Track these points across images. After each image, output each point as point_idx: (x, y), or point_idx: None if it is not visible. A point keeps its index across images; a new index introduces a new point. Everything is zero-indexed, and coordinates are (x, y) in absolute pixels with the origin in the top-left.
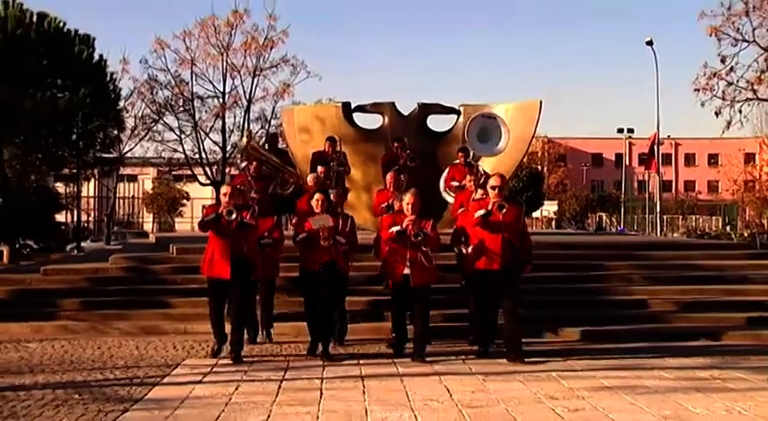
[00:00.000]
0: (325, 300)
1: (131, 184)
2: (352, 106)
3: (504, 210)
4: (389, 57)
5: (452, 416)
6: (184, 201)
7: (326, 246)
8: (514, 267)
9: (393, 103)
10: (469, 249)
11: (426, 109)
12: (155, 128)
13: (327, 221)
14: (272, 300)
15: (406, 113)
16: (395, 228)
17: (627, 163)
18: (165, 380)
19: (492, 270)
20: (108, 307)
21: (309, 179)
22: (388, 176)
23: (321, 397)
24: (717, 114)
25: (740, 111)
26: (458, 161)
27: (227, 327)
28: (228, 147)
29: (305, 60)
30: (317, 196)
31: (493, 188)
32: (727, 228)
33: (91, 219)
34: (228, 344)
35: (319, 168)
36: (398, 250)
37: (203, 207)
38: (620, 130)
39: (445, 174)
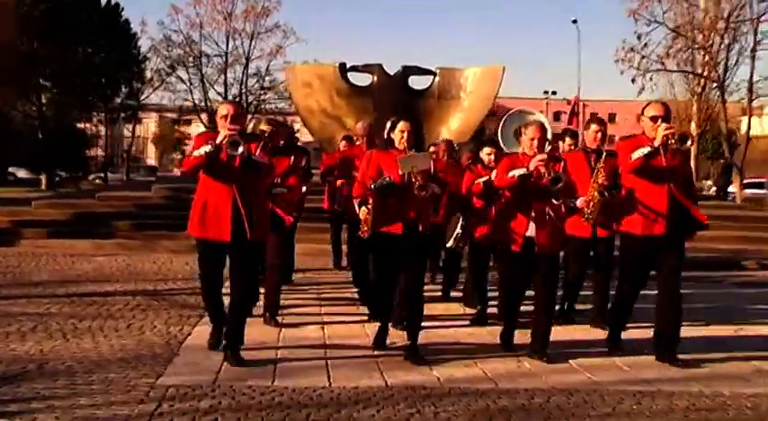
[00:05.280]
0: (415, 273)
1: (138, 126)
2: (347, 66)
3: (690, 144)
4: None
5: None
6: (187, 141)
7: (423, 197)
8: (682, 232)
9: (381, 65)
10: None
11: (408, 70)
12: (167, 79)
13: (426, 162)
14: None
15: (391, 73)
16: (517, 172)
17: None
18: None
19: (653, 236)
20: (154, 228)
21: (359, 127)
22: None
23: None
24: (633, 81)
25: (651, 79)
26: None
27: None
28: (229, 97)
29: (294, 27)
30: (401, 126)
31: (654, 119)
32: None
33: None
34: (224, 335)
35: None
36: (517, 204)
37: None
38: (546, 92)
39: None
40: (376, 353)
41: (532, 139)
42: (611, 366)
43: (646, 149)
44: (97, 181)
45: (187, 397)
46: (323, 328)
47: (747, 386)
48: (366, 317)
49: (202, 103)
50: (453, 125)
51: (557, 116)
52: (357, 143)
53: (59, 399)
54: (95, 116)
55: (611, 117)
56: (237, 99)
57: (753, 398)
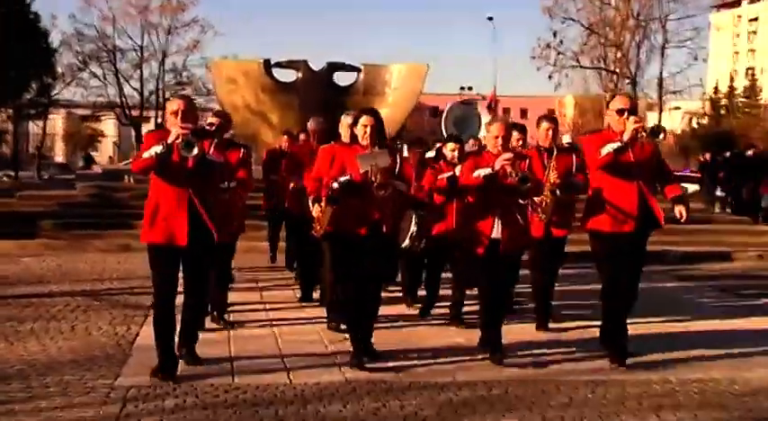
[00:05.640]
0: (376, 278)
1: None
2: (272, 62)
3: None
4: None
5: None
6: (100, 138)
7: (381, 196)
8: (647, 229)
9: (306, 61)
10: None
11: (333, 67)
12: (79, 75)
13: (385, 159)
14: (230, 270)
15: (316, 69)
16: (483, 171)
17: None
18: None
19: (622, 233)
20: (81, 227)
21: (311, 124)
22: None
23: None
24: (550, 78)
25: (567, 76)
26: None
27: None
28: (145, 93)
29: (212, 21)
30: (363, 120)
31: (621, 112)
32: None
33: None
34: (178, 334)
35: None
36: (482, 204)
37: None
38: (462, 88)
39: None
40: (330, 349)
41: (497, 137)
42: (559, 357)
43: (615, 145)
44: (5, 178)
45: (150, 397)
46: (272, 325)
47: (691, 372)
48: (325, 321)
49: (117, 99)
50: None
51: None
52: (303, 139)
53: (19, 403)
54: (2, 112)
55: (524, 113)
56: (153, 95)
57: (696, 383)
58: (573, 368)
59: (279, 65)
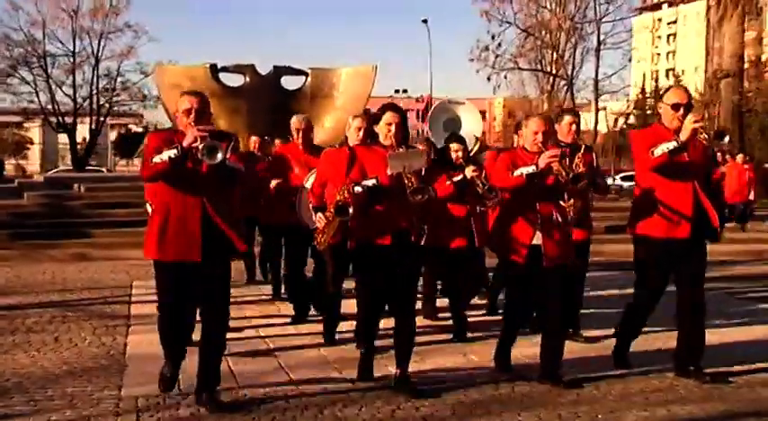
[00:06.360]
0: (408, 290)
1: None
2: (218, 67)
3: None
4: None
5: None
6: (29, 145)
7: (418, 202)
8: (705, 234)
9: (253, 65)
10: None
11: (280, 71)
12: (8, 81)
13: (420, 161)
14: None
15: (263, 74)
16: (525, 170)
17: None
18: (134, 298)
19: (676, 239)
20: (35, 237)
21: (295, 122)
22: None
23: None
24: (489, 79)
25: (505, 78)
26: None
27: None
28: (78, 99)
29: (147, 27)
30: (387, 117)
31: (676, 107)
32: None
33: None
34: (196, 376)
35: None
36: (522, 208)
37: (144, 134)
38: (397, 91)
39: None
40: (324, 352)
41: (536, 133)
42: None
43: (671, 145)
44: None
45: (161, 406)
46: (258, 332)
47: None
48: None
49: (49, 106)
50: (327, 123)
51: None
52: (279, 142)
53: (28, 416)
54: None
55: None
56: (87, 101)
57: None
58: (570, 366)
59: (225, 69)
